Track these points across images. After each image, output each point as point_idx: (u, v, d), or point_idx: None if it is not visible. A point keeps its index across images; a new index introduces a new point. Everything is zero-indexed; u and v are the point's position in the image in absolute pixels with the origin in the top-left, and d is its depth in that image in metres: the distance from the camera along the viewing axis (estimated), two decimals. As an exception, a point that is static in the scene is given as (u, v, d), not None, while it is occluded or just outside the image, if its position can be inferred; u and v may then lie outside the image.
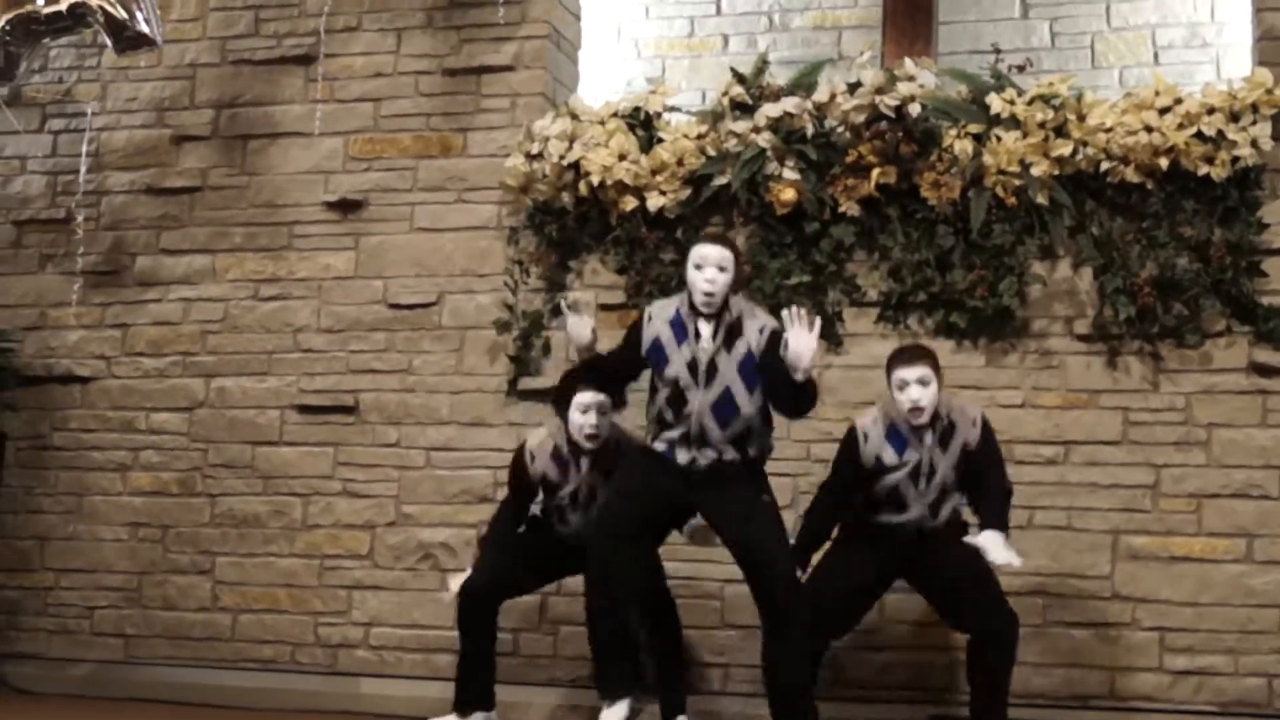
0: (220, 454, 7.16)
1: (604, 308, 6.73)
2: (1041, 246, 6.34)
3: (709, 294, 5.36)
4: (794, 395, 5.32)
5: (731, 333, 5.39)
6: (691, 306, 5.42)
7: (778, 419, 5.54)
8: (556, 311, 6.77)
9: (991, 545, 5.34)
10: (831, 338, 6.50)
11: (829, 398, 6.37)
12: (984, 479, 5.52)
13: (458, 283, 6.95)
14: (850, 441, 5.60)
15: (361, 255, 7.11)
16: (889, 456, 5.51)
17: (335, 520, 6.98)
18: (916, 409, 5.45)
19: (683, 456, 5.40)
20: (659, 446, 5.45)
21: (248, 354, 7.19)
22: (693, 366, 5.37)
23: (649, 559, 5.63)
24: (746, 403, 5.37)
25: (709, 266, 5.35)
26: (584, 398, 5.76)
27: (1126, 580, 6.20)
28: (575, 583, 6.42)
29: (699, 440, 5.37)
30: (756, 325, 5.41)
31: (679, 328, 5.43)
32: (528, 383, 6.80)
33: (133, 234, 7.43)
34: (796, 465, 6.39)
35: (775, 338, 5.33)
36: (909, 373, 5.46)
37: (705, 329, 5.39)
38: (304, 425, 7.07)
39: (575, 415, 5.79)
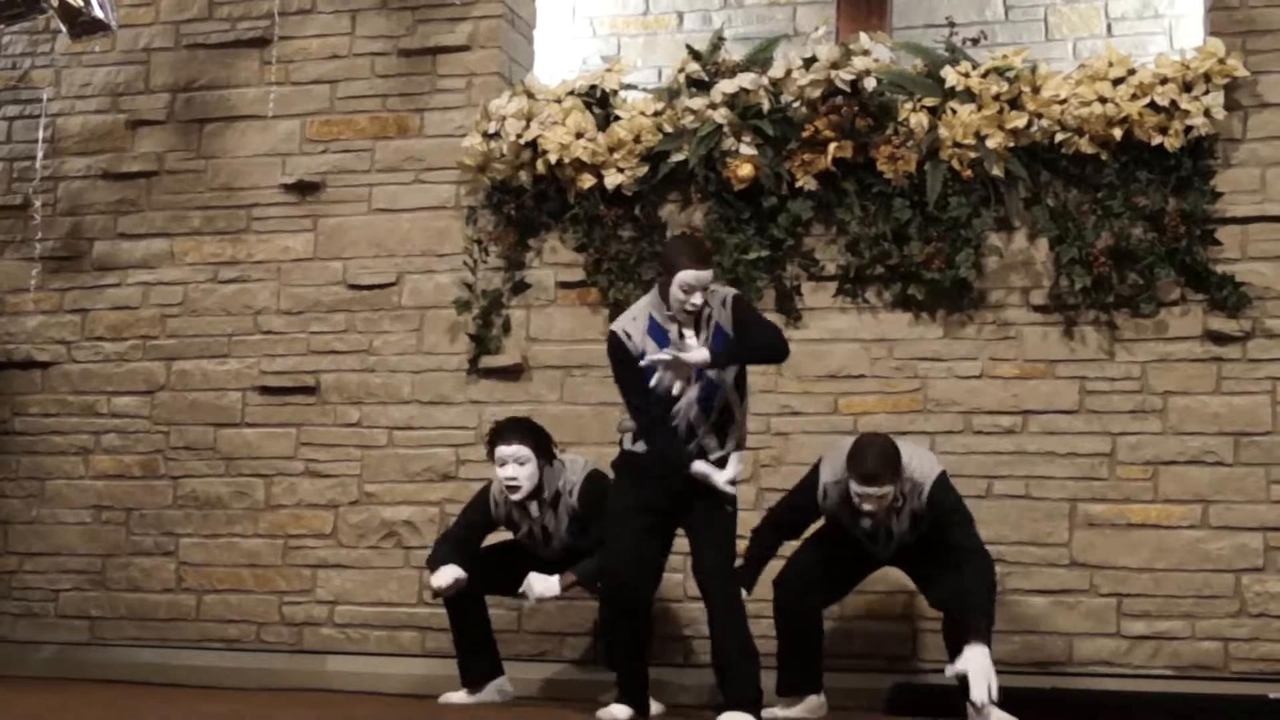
0: (182, 436, 7.08)
1: (563, 285, 6.69)
2: (997, 218, 6.30)
3: (692, 312, 5.25)
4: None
5: (707, 322, 5.31)
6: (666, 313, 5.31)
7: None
8: (515, 290, 6.75)
9: (976, 686, 5.13)
10: (790, 312, 6.45)
11: (788, 371, 6.35)
12: (958, 563, 5.39)
13: (417, 263, 6.88)
14: (812, 479, 5.61)
15: (320, 237, 7.03)
16: (845, 519, 5.53)
17: (298, 500, 6.93)
18: (868, 514, 5.42)
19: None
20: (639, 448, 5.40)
21: (208, 337, 7.11)
22: None
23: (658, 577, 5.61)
24: (728, 387, 5.33)
25: (697, 292, 5.20)
26: (501, 451, 5.76)
27: (1084, 548, 6.17)
28: None
29: (686, 435, 5.31)
30: (719, 299, 5.31)
31: (659, 334, 5.29)
32: (488, 361, 6.72)
33: (90, 219, 7.33)
34: (757, 439, 6.27)
35: (738, 302, 5.32)
36: (865, 488, 5.35)
37: (689, 331, 5.28)
38: (265, 406, 7.00)
39: (496, 469, 5.80)
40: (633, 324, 5.33)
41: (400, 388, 6.84)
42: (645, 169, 6.54)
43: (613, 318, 6.33)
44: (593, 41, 8.11)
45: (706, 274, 5.21)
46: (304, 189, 7.05)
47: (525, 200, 6.68)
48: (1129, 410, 6.18)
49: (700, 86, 6.53)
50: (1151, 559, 6.11)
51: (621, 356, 5.30)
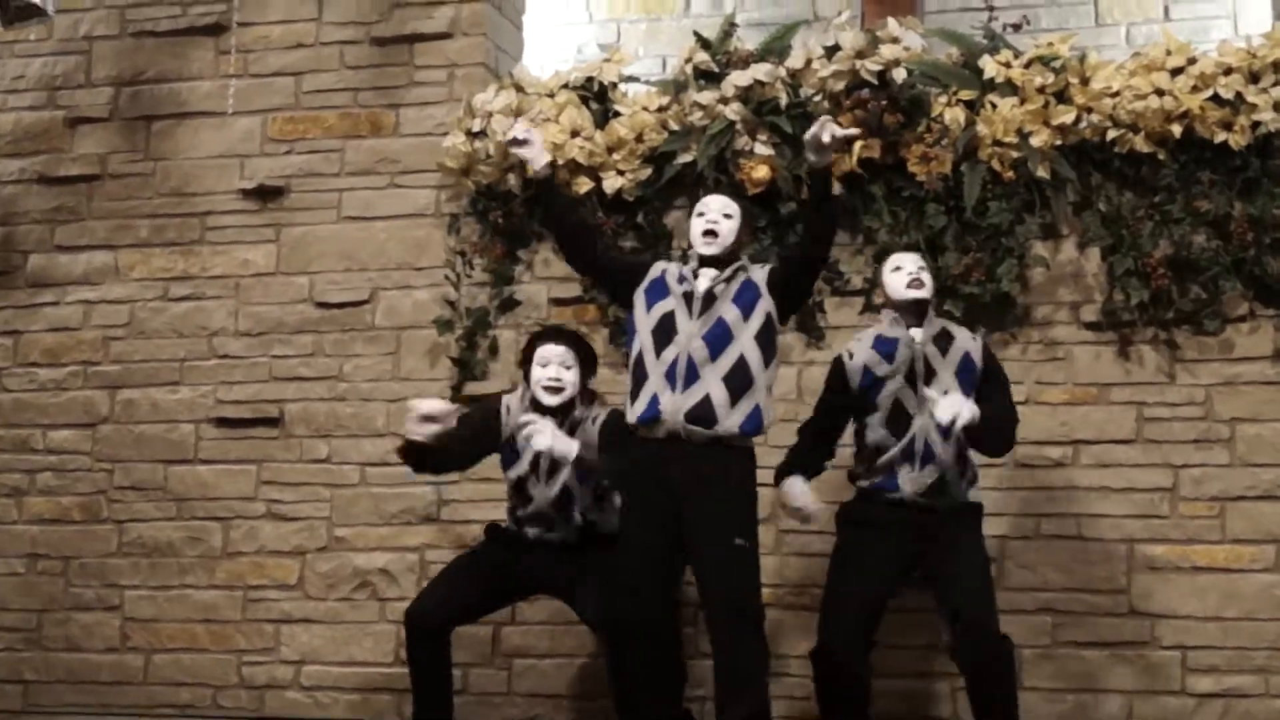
0: (128, 475, 7.14)
1: (557, 302, 6.77)
2: (1043, 225, 6.40)
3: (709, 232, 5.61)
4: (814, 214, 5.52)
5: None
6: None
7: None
8: (504, 308, 6.83)
9: (947, 406, 5.40)
10: (812, 330, 6.57)
11: (810, 398, 6.29)
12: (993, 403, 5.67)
13: (392, 277, 6.96)
14: (836, 366, 5.81)
15: (283, 249, 7.12)
16: (874, 362, 5.68)
17: (259, 546, 6.99)
18: (916, 282, 5.65)
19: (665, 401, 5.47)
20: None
21: (157, 362, 7.17)
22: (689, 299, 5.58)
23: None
24: (744, 334, 5.53)
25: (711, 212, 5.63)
26: (545, 351, 5.86)
27: (1144, 594, 6.25)
28: (531, 611, 6.62)
29: (686, 374, 5.48)
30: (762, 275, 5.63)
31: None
32: (473, 388, 6.81)
33: (24, 229, 7.41)
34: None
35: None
36: (905, 260, 5.73)
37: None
38: (222, 440, 7.07)
39: (536, 370, 5.87)
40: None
41: (374, 418, 6.90)
42: (649, 171, 6.62)
43: (613, 337, 6.60)
44: (589, 28, 8.20)
45: (720, 199, 5.75)
46: (265, 195, 7.13)
47: (514, 207, 6.76)
48: (1192, 439, 6.26)
49: (710, 78, 6.60)
50: (1220, 606, 6.17)
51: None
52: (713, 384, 5.44)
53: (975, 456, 5.75)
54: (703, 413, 5.43)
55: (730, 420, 5.44)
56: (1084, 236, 6.40)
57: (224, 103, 7.18)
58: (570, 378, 5.84)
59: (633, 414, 5.54)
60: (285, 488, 7.00)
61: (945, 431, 5.50)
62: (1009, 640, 5.59)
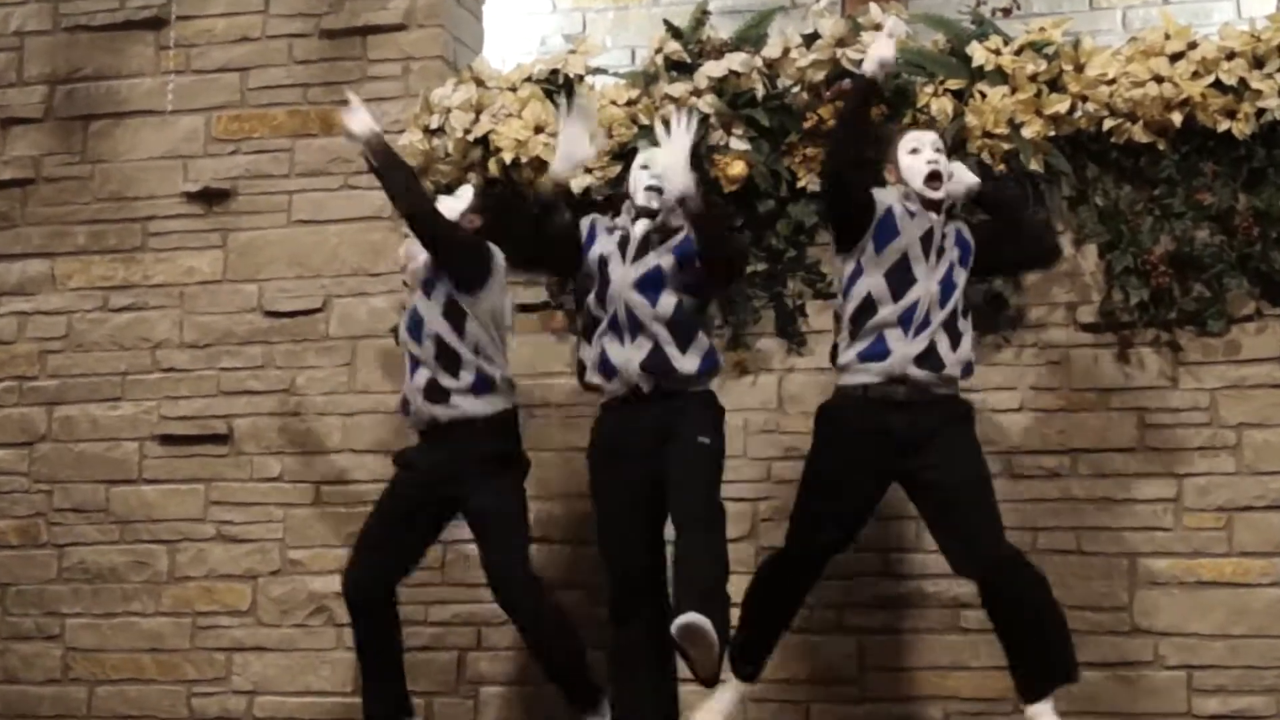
0: (68, 496, 7.06)
1: (522, 308, 6.63)
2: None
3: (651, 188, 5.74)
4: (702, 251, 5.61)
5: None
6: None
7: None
8: None
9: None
10: (793, 336, 6.48)
11: (792, 407, 6.37)
12: None
13: (347, 284, 6.87)
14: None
15: (230, 255, 7.04)
16: (902, 217, 5.58)
17: (209, 571, 6.91)
18: (934, 175, 5.58)
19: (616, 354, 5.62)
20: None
21: (97, 376, 7.10)
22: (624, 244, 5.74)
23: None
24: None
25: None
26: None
27: (1147, 611, 6.15)
28: (498, 637, 6.55)
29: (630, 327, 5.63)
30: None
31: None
32: None
33: None
34: (755, 488, 6.34)
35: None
36: (923, 136, 5.70)
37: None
38: (168, 459, 7.00)
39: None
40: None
41: (329, 434, 6.84)
42: (618, 168, 6.50)
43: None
44: (553, 18, 8.20)
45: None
46: (210, 198, 7.06)
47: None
48: (1197, 447, 6.17)
49: (682, 70, 6.54)
50: (1227, 623, 6.08)
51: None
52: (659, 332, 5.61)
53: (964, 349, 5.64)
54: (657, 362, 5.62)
55: (687, 364, 5.63)
56: (1080, 233, 6.31)
57: (165, 100, 7.15)
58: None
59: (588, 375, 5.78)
60: (235, 508, 6.92)
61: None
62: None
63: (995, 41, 6.32)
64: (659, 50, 6.59)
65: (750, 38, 6.58)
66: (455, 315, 5.79)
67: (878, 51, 5.51)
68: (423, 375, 5.84)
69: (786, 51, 6.44)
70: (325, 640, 6.73)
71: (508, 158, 6.51)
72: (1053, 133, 6.22)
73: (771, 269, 6.42)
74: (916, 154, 5.60)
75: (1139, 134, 6.17)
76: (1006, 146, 6.22)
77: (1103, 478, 6.22)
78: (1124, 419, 6.23)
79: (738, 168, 6.37)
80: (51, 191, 7.22)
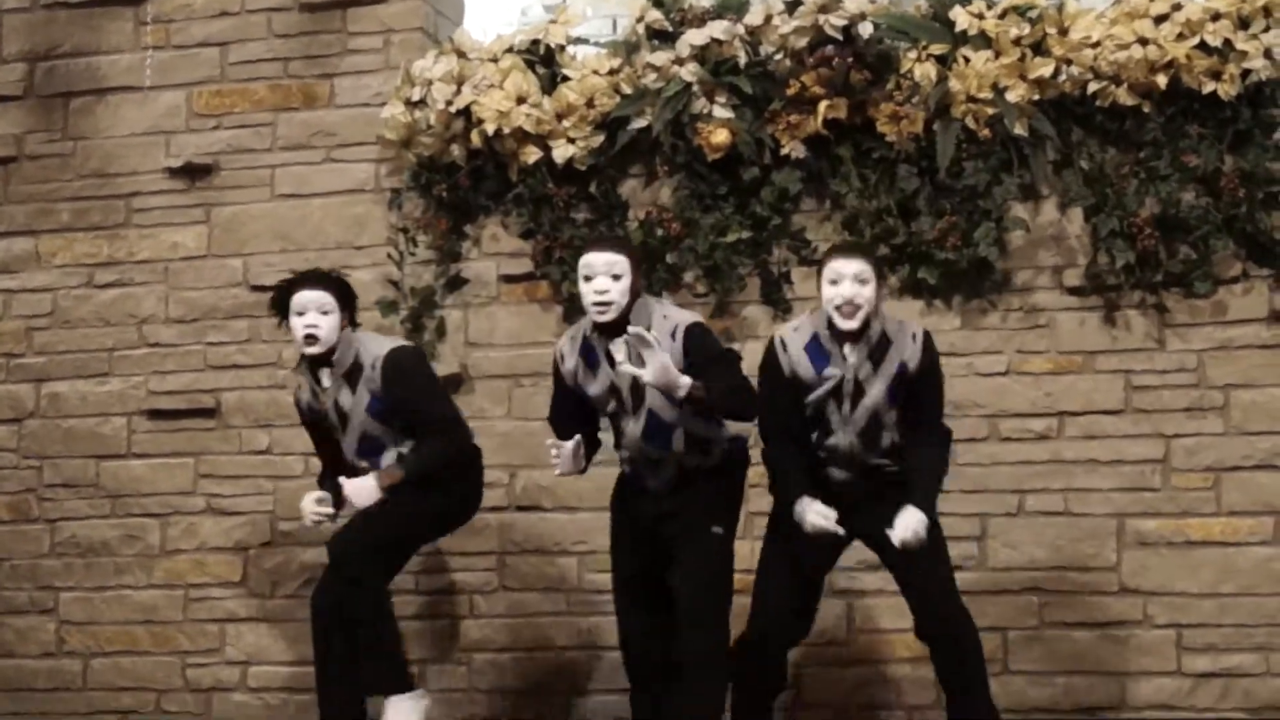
0: (58, 471, 7.07)
1: (507, 279, 6.71)
2: (1022, 185, 6.31)
3: (601, 305, 5.34)
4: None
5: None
6: (595, 327, 5.39)
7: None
8: (450, 286, 6.75)
9: (902, 528, 5.16)
10: (779, 303, 6.49)
11: None
12: (917, 429, 5.35)
13: (331, 257, 6.79)
14: (769, 353, 5.47)
15: (214, 230, 7.03)
16: (806, 372, 5.35)
17: (200, 543, 6.92)
18: (850, 305, 5.24)
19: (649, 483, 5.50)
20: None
21: (84, 352, 7.09)
22: (616, 394, 5.40)
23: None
24: (674, 417, 5.34)
25: (599, 276, 5.33)
26: (299, 299, 5.74)
27: (1135, 571, 6.18)
28: (489, 604, 6.61)
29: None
30: (668, 328, 5.32)
31: (590, 355, 5.44)
32: None
33: None
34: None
35: (692, 334, 5.36)
36: (845, 266, 5.27)
37: (618, 352, 5.36)
38: (156, 433, 6.99)
39: (293, 320, 5.77)
40: (565, 344, 5.57)
41: None
42: (601, 138, 6.54)
43: (567, 316, 6.56)
44: None
45: (607, 257, 5.32)
46: (193, 173, 7.04)
47: (459, 179, 6.68)
48: (1184, 408, 6.19)
49: (664, 38, 6.53)
50: (1216, 582, 6.12)
51: (558, 376, 5.58)
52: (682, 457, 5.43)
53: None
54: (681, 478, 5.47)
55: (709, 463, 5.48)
56: (1065, 196, 6.31)
57: (144, 76, 7.15)
58: (328, 323, 5.69)
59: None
60: (225, 481, 6.96)
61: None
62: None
63: (978, 5, 6.31)
64: (640, 19, 6.57)
65: (732, 5, 6.55)
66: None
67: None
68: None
69: (769, 18, 6.42)
70: None
71: (490, 129, 6.50)
72: (1037, 96, 6.22)
73: (756, 236, 6.40)
74: (835, 285, 5.27)
75: (1124, 97, 6.17)
76: (990, 111, 6.22)
77: (1091, 439, 6.23)
78: (1111, 381, 6.23)
79: (721, 136, 6.35)
80: (34, 169, 7.20)
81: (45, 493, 7.05)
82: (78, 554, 7.00)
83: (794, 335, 5.40)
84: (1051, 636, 6.16)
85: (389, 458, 5.70)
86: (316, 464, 6.59)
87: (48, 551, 7.03)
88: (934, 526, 5.29)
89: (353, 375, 5.70)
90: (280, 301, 5.77)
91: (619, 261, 5.31)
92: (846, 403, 5.32)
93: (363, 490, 5.55)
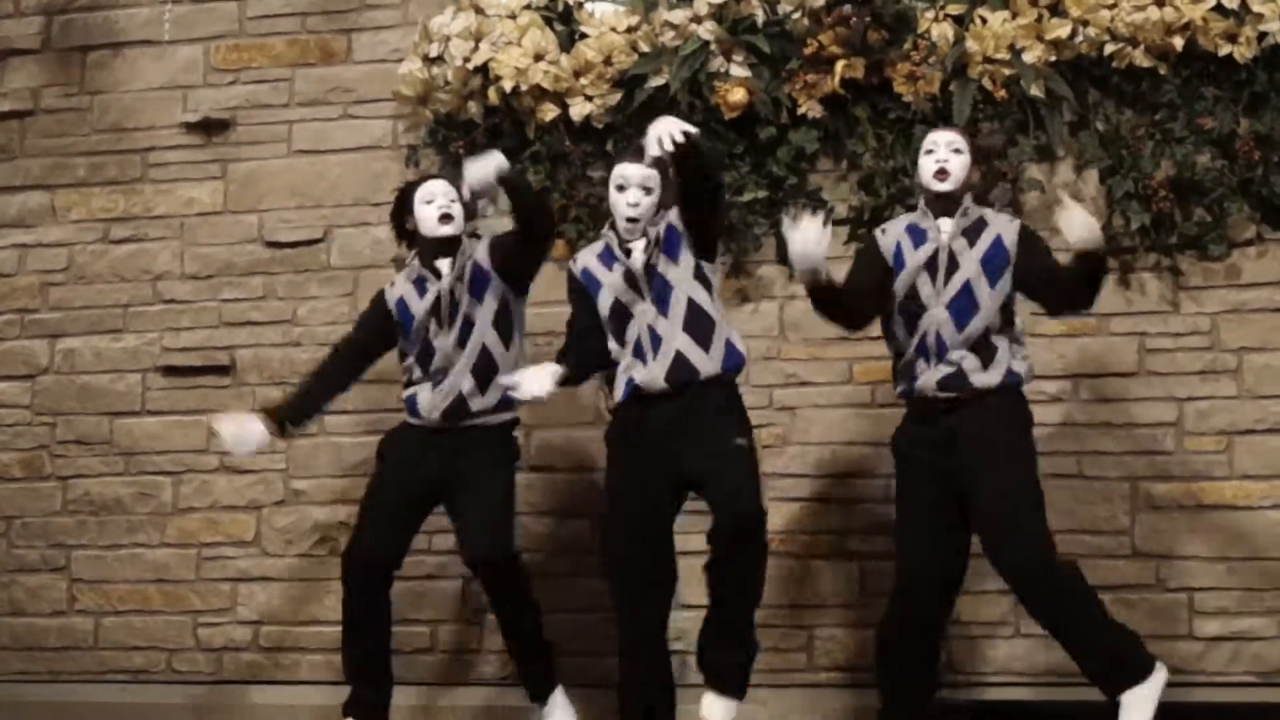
0: (71, 428, 7.06)
1: None
2: (1038, 146, 6.31)
3: (632, 221, 5.57)
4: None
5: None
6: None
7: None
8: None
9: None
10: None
11: (793, 334, 6.44)
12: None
13: (348, 214, 6.86)
14: (868, 244, 5.69)
15: (231, 185, 7.02)
16: (905, 246, 5.52)
17: (213, 502, 6.92)
18: (942, 172, 5.47)
19: (640, 375, 5.53)
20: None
21: (99, 308, 7.09)
22: (630, 280, 5.59)
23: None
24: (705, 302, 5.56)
25: (633, 188, 5.56)
26: (427, 188, 5.88)
27: (1147, 535, 6.19)
28: None
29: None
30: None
31: (607, 258, 5.67)
32: None
33: None
34: (758, 415, 6.21)
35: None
36: (940, 135, 5.57)
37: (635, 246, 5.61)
38: (170, 390, 6.99)
39: (420, 209, 5.87)
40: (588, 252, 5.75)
41: None
42: (618, 96, 6.53)
43: None
44: None
45: (644, 171, 5.51)
46: (210, 128, 7.03)
47: (476, 137, 6.64)
48: (1197, 371, 6.20)
49: (682, -4, 6.53)
50: (1227, 546, 6.13)
51: (572, 287, 5.77)
52: (684, 341, 5.50)
53: (1006, 342, 5.51)
54: (681, 372, 5.50)
55: (709, 366, 5.50)
56: (1081, 158, 6.32)
57: (162, 30, 7.10)
58: (458, 209, 5.88)
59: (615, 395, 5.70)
60: None
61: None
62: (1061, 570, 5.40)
63: (997, -35, 6.29)
64: (659, -24, 6.55)
65: (751, -37, 6.54)
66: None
67: (803, 261, 5.34)
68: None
69: (787, -24, 6.41)
70: (329, 570, 6.57)
71: (507, 86, 6.49)
72: (1054, 58, 6.21)
73: (772, 195, 6.40)
74: (930, 154, 5.51)
75: (1140, 58, 6.15)
76: (1007, 72, 6.21)
77: (1104, 402, 6.24)
78: (1125, 344, 6.25)
79: (738, 94, 6.35)
80: (50, 123, 7.17)
81: (58, 450, 7.03)
82: (90, 512, 6.99)
83: (893, 223, 5.63)
84: (1063, 600, 6.17)
85: (475, 337, 5.82)
86: (331, 423, 6.74)
87: (60, 509, 7.01)
88: (1018, 457, 5.40)
89: (463, 272, 5.84)
90: (399, 206, 5.94)
91: (653, 176, 5.51)
92: (940, 274, 5.45)
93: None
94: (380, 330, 5.95)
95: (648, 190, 5.54)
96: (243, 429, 5.80)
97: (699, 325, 5.49)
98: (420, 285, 5.86)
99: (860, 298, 5.55)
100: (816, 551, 6.36)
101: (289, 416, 5.88)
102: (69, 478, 7.03)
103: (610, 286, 5.60)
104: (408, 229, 5.93)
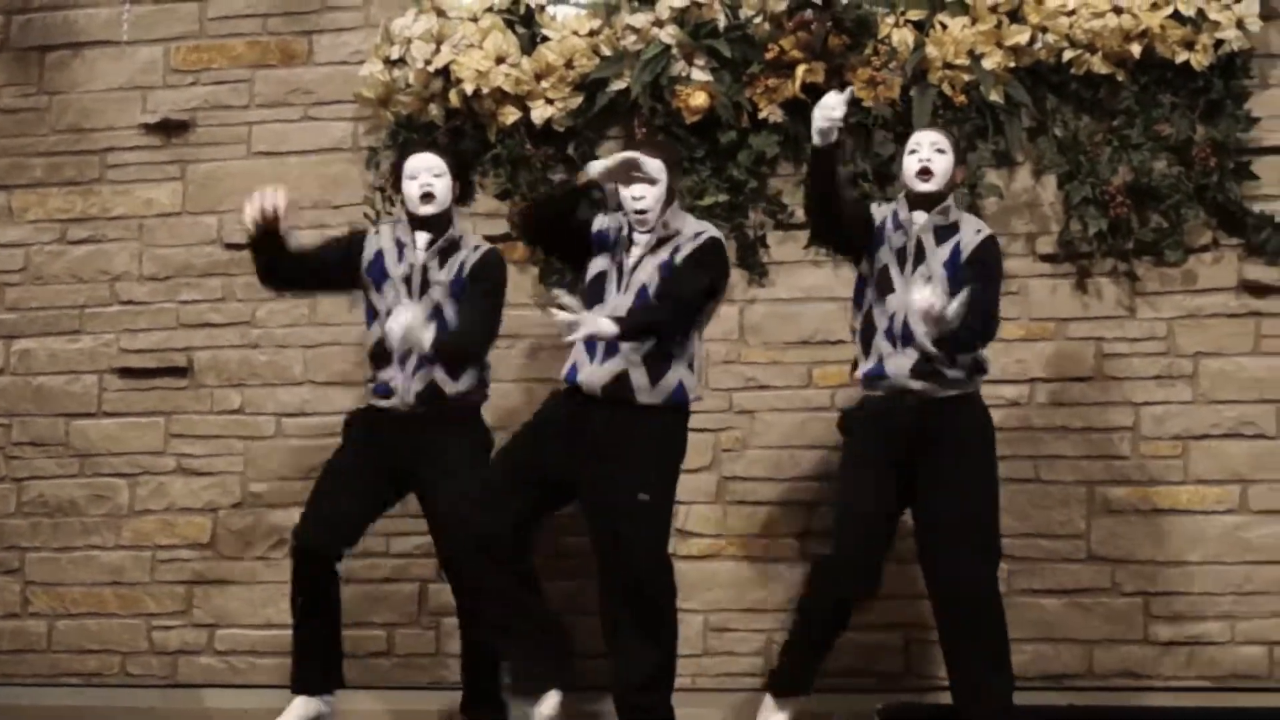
0: (26, 430, 7.01)
1: (487, 239, 6.45)
2: (997, 152, 6.35)
3: (640, 214, 5.59)
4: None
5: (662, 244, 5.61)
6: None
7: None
8: None
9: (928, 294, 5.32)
10: (754, 267, 6.50)
11: (753, 338, 6.46)
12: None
13: (307, 216, 6.74)
14: (865, 203, 5.85)
15: (190, 186, 6.98)
16: (887, 226, 5.60)
17: (169, 504, 6.88)
18: (925, 171, 5.53)
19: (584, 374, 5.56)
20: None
21: (55, 309, 7.03)
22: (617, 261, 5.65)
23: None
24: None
25: (637, 184, 5.58)
26: (412, 163, 5.84)
27: (1103, 539, 6.23)
28: None
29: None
30: (691, 231, 5.65)
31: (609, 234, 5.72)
32: None
33: None
34: (718, 419, 6.37)
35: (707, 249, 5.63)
36: (924, 136, 5.64)
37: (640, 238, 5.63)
38: (127, 392, 6.95)
39: (405, 184, 5.86)
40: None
41: (290, 366, 6.81)
42: (580, 99, 6.54)
43: (543, 276, 6.60)
44: None
45: (650, 162, 5.54)
46: (169, 129, 6.99)
47: (437, 139, 6.59)
48: (1153, 375, 6.24)
49: (643, 0, 6.51)
50: (1182, 550, 6.17)
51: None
52: (633, 361, 5.53)
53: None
54: (620, 389, 5.52)
55: (649, 397, 5.54)
56: (1039, 164, 6.36)
57: (121, 30, 7.02)
58: (442, 186, 5.83)
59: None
60: (195, 441, 6.89)
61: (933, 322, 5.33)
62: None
63: (956, -29, 6.32)
64: (621, -20, 6.56)
65: (712, -32, 6.54)
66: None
67: (822, 120, 5.36)
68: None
69: (748, -18, 6.43)
70: (286, 573, 6.39)
71: (469, 89, 6.47)
72: (1013, 64, 6.25)
73: (733, 200, 6.41)
74: (913, 154, 5.57)
75: (1098, 65, 6.20)
76: (967, 78, 6.24)
77: (1061, 406, 6.27)
78: (1082, 348, 6.28)
79: (699, 98, 6.36)
80: (8, 123, 7.11)
81: (13, 451, 6.97)
82: (45, 514, 6.94)
83: (884, 205, 5.73)
84: (1020, 604, 6.14)
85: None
86: (288, 425, 6.78)
87: (14, 511, 6.95)
88: (981, 471, 5.50)
89: (447, 250, 5.81)
90: (392, 178, 5.98)
91: (654, 165, 5.55)
92: (909, 264, 5.51)
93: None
94: (341, 262, 5.93)
95: (652, 182, 5.55)
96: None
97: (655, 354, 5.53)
98: (400, 249, 5.85)
99: (854, 206, 5.68)
100: (775, 554, 6.36)
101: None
102: (24, 479, 6.97)
103: (604, 256, 5.64)
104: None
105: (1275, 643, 6.08)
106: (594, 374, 5.51)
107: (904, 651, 6.26)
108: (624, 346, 5.45)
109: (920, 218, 5.55)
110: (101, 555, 6.89)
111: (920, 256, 5.52)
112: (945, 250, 5.52)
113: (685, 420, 5.61)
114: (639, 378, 5.48)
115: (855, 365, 5.65)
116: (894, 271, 5.53)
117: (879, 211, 5.66)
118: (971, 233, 5.57)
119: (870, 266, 5.60)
